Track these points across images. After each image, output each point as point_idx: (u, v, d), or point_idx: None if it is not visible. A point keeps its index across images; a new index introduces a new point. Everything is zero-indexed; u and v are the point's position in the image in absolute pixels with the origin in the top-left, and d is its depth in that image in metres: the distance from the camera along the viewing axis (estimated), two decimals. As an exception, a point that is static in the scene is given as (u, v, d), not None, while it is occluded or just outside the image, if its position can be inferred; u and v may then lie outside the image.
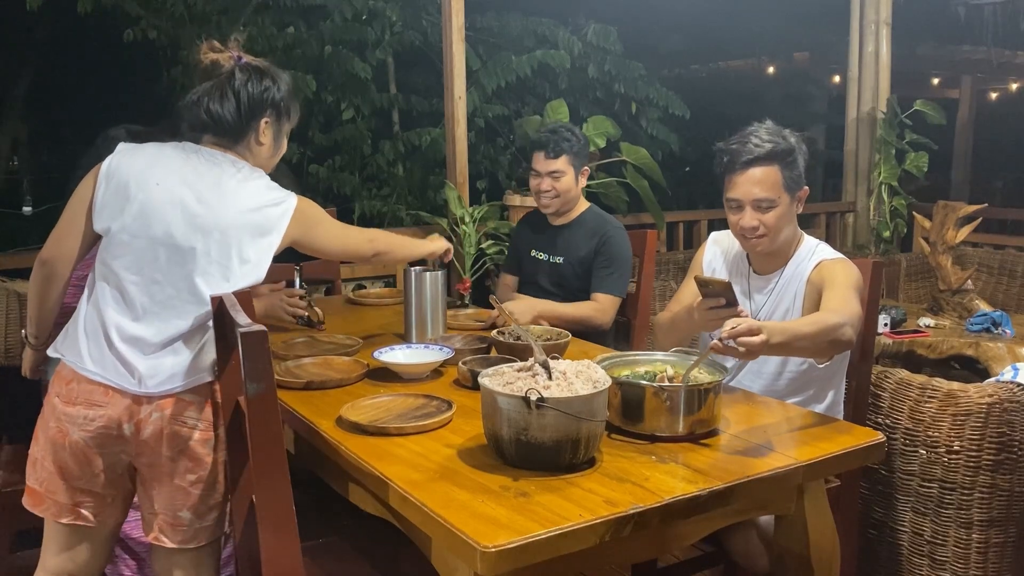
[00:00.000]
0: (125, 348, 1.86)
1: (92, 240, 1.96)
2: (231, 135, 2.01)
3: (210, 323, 1.88)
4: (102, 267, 1.93)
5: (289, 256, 2.36)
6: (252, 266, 1.94)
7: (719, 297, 1.96)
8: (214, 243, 1.90)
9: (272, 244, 1.98)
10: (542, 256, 3.28)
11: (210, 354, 1.91)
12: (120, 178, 1.92)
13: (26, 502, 1.95)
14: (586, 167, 3.22)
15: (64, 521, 1.93)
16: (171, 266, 1.89)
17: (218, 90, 1.98)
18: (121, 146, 1.98)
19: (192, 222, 1.90)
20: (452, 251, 2.61)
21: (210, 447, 1.91)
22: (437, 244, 2.56)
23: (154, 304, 1.89)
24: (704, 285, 1.99)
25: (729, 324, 1.77)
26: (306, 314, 2.86)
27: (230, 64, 2.01)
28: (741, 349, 1.76)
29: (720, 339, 1.76)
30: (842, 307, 2.08)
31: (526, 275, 3.33)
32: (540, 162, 3.16)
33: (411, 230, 4.79)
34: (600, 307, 3.06)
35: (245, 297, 1.80)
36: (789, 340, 1.92)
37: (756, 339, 1.75)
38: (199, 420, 1.90)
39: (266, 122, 2.04)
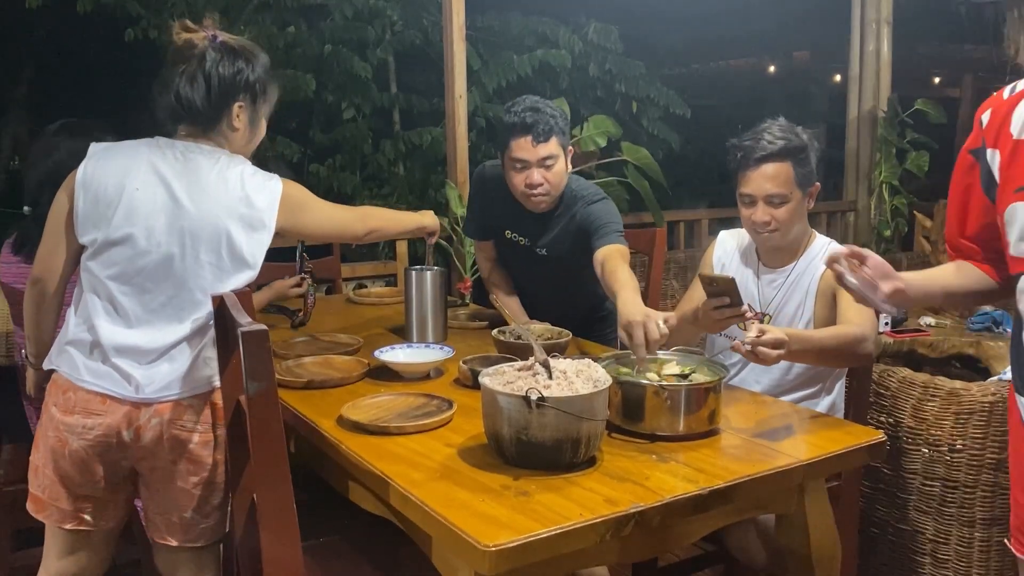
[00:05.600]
0: (120, 359, 1.83)
1: (79, 253, 1.91)
2: (203, 121, 1.92)
3: (208, 326, 1.87)
4: (89, 278, 1.88)
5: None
6: (244, 262, 1.89)
7: (723, 296, 1.99)
8: (202, 243, 1.85)
9: (264, 239, 1.92)
10: (522, 240, 2.79)
11: (209, 357, 1.89)
12: (97, 187, 1.85)
13: (30, 508, 1.94)
14: (570, 146, 2.68)
15: (67, 527, 1.93)
16: (160, 273, 1.85)
17: (188, 73, 1.89)
18: (93, 149, 1.91)
19: (175, 224, 1.85)
20: (438, 231, 2.52)
21: (211, 449, 1.90)
22: (427, 219, 2.48)
23: (147, 313, 1.85)
24: (709, 283, 2.02)
25: (756, 330, 1.85)
26: (298, 308, 2.87)
27: (204, 44, 1.91)
28: (759, 357, 1.85)
29: (743, 341, 1.83)
30: (860, 318, 2.15)
31: (506, 255, 2.88)
32: (526, 149, 2.55)
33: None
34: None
35: (245, 296, 1.79)
36: (808, 349, 2.05)
37: (773, 353, 1.85)
38: (199, 423, 1.89)
39: (240, 106, 1.94)
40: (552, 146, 2.56)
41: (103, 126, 2.41)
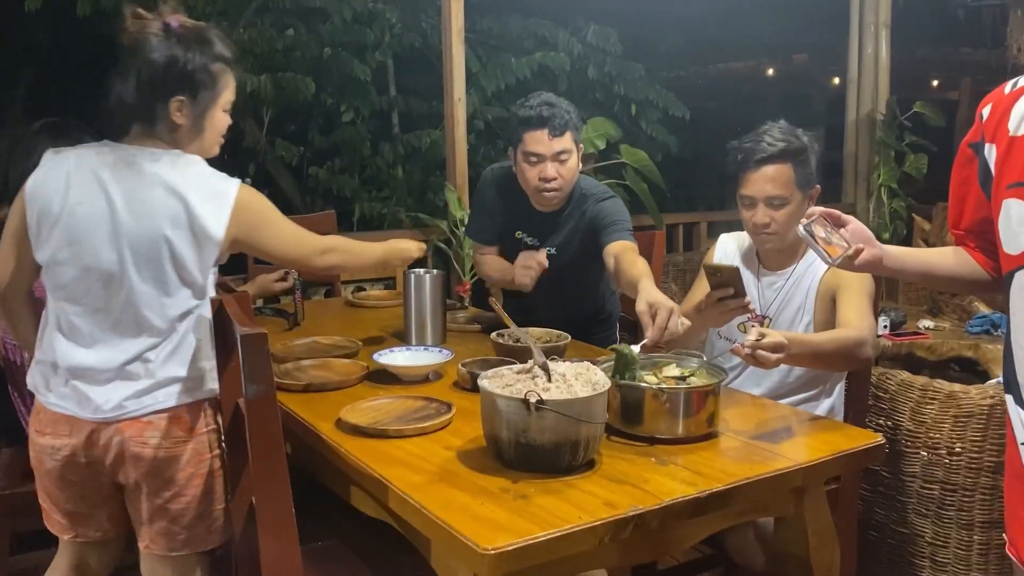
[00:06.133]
0: (78, 381, 1.79)
1: (36, 267, 1.83)
2: (140, 119, 1.79)
3: (167, 343, 1.81)
4: (49, 298, 1.84)
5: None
6: (191, 277, 1.79)
7: (727, 286, 2.01)
8: (142, 258, 1.75)
9: (210, 251, 1.79)
10: (531, 241, 2.78)
11: (170, 373, 1.82)
12: (42, 201, 1.77)
13: (44, 518, 1.95)
14: (580, 143, 2.69)
15: (67, 538, 1.93)
16: (107, 293, 1.77)
17: (124, 67, 1.76)
18: (44, 157, 1.82)
19: (116, 240, 1.75)
20: (419, 253, 2.38)
21: (180, 465, 1.83)
22: (404, 251, 2.35)
23: (102, 333, 1.79)
24: (713, 273, 2.04)
25: (756, 333, 1.84)
26: (291, 310, 2.88)
27: (151, 32, 1.75)
28: (759, 361, 1.84)
29: (743, 344, 1.83)
30: (859, 321, 2.16)
31: (512, 257, 2.80)
32: (542, 143, 2.55)
33: (410, 232, 4.78)
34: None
35: (244, 299, 1.79)
36: (807, 352, 2.04)
37: (773, 356, 1.84)
38: (163, 439, 1.81)
39: (179, 100, 1.78)
40: (567, 140, 2.57)
41: (85, 127, 2.36)
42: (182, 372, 1.83)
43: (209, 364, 1.88)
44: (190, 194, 1.76)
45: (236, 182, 1.83)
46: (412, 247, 2.38)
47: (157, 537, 1.88)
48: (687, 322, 2.01)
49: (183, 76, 1.77)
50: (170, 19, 1.78)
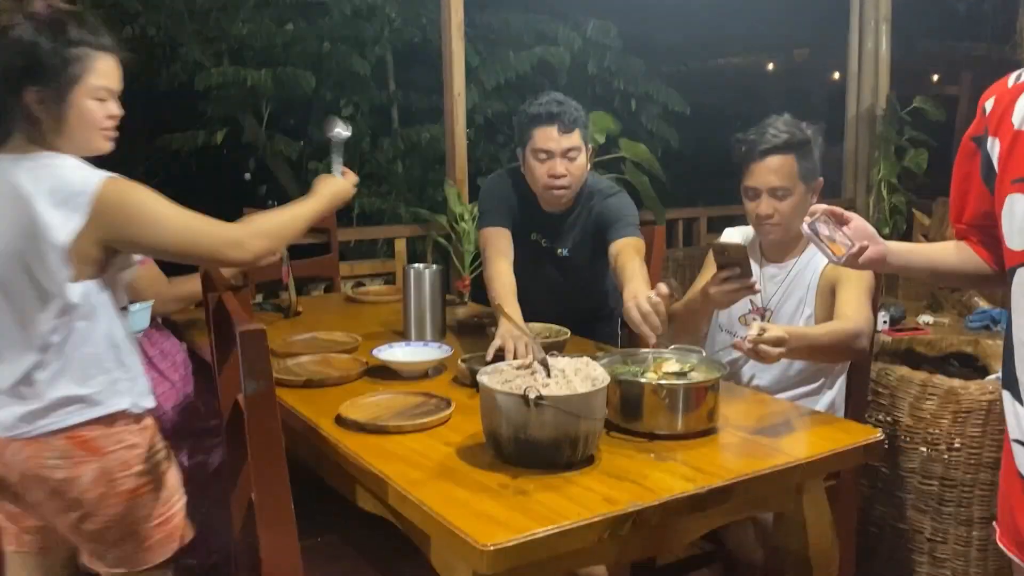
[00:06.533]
0: None
1: None
2: (4, 118, 1.65)
3: (52, 363, 1.70)
4: None
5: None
6: (54, 290, 1.65)
7: (734, 266, 2.01)
8: (7, 277, 1.66)
9: (62, 262, 1.63)
10: (544, 242, 2.76)
11: (62, 393, 1.70)
12: None
13: None
14: (588, 142, 2.66)
15: (11, 549, 1.87)
16: None
17: None
18: None
19: None
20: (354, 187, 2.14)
21: (84, 486, 1.71)
22: (343, 196, 2.09)
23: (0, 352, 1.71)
24: (720, 252, 2.06)
25: (757, 328, 1.84)
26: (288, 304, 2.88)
27: (19, 19, 1.62)
28: (760, 356, 1.84)
29: (745, 339, 1.83)
30: (857, 314, 2.16)
31: (522, 258, 2.68)
32: (551, 139, 2.52)
33: (409, 227, 4.78)
34: None
35: (243, 295, 1.79)
36: (805, 347, 2.05)
37: (774, 351, 1.84)
38: (61, 459, 1.70)
39: (33, 92, 1.63)
40: (575, 138, 2.55)
41: None
42: (77, 391, 1.71)
43: (115, 378, 1.76)
44: (37, 200, 1.61)
45: (96, 180, 1.64)
46: (346, 186, 2.11)
47: (90, 556, 1.83)
48: (661, 289, 2.01)
49: (32, 64, 1.62)
50: (37, 5, 1.64)
